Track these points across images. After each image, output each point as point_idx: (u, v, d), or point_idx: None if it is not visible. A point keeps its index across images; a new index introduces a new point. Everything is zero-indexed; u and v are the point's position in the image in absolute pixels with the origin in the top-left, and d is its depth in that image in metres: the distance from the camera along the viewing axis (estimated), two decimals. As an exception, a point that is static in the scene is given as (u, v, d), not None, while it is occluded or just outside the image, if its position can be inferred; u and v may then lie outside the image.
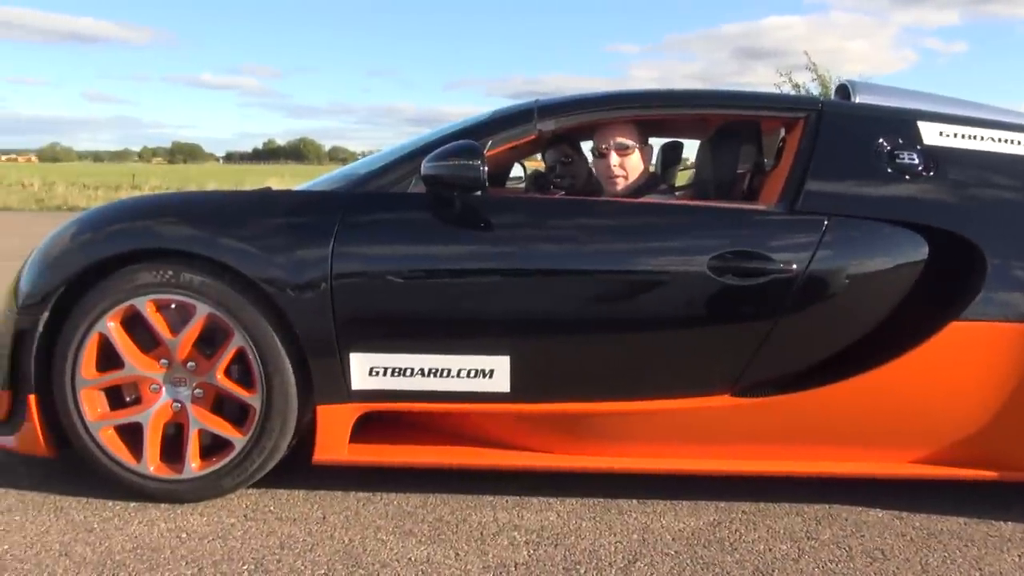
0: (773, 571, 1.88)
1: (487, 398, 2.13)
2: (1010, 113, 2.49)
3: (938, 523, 2.14)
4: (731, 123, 2.50)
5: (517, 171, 4.04)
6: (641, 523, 2.13)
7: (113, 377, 2.17)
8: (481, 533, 2.06)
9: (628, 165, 2.49)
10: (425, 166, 2.10)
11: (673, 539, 2.04)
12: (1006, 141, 2.28)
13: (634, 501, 2.26)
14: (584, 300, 2.12)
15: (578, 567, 1.89)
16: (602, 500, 2.26)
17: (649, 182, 2.52)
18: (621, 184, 2.52)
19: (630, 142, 2.47)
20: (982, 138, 2.27)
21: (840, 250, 2.10)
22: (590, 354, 2.15)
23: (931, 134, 2.25)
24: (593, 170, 2.76)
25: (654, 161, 3.13)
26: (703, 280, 2.07)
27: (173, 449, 2.19)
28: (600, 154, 2.51)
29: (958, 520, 2.16)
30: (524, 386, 2.12)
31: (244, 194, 2.30)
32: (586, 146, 3.21)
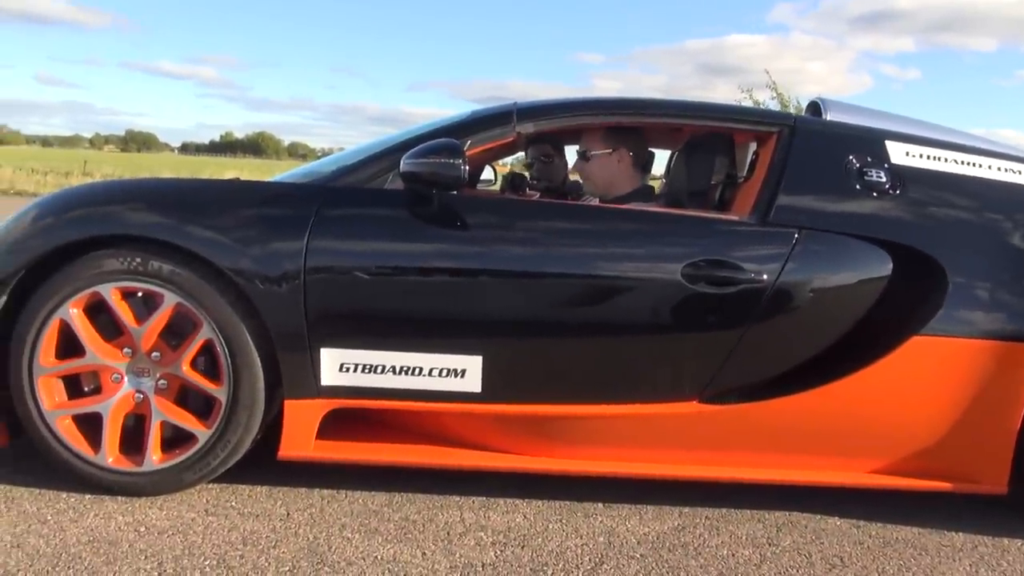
0: (736, 576, 1.91)
1: (458, 398, 2.12)
2: (970, 136, 2.58)
3: (894, 532, 2.20)
4: (706, 134, 2.54)
5: (487, 174, 4.05)
6: (607, 526, 2.14)
7: (73, 365, 2.10)
8: (448, 533, 2.05)
9: (586, 170, 2.63)
10: (405, 163, 2.09)
11: (639, 543, 2.06)
12: (968, 164, 2.36)
13: (600, 504, 2.27)
14: (558, 303, 2.13)
15: (545, 568, 1.89)
16: (568, 503, 2.27)
17: (641, 191, 2.57)
18: (587, 187, 2.66)
19: (587, 149, 2.60)
20: (946, 160, 2.34)
21: (809, 263, 2.15)
22: (562, 357, 2.16)
23: (898, 154, 2.32)
24: (569, 174, 2.82)
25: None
26: (676, 287, 2.10)
27: (132, 441, 2.14)
28: (577, 156, 2.65)
29: (912, 529, 2.22)
30: (496, 387, 2.11)
31: (217, 183, 2.26)
32: (569, 149, 3.24)
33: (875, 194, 2.24)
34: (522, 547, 2.00)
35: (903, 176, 2.27)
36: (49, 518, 2.00)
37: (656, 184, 3.17)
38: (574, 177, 3.53)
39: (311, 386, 2.10)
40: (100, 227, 2.07)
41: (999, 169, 2.35)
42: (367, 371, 2.09)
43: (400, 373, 2.10)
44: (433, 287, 2.11)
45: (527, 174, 3.40)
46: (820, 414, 2.16)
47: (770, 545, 2.08)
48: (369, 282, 2.07)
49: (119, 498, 2.12)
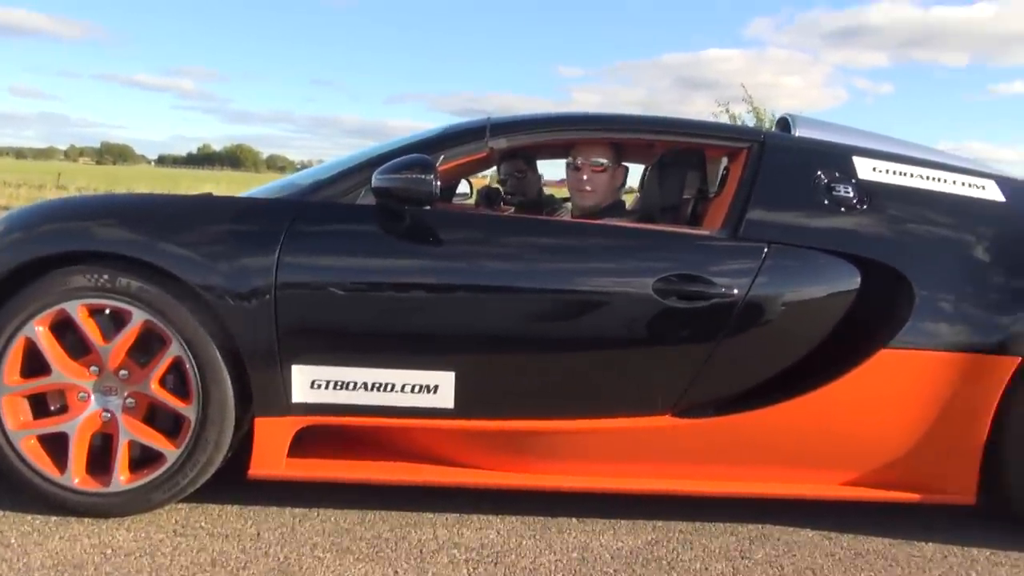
0: (709, 590, 1.91)
1: (431, 414, 2.11)
2: (935, 152, 2.62)
3: (865, 543, 2.22)
4: (678, 149, 2.56)
5: (462, 188, 4.05)
6: (581, 542, 2.14)
7: (38, 384, 2.07)
8: (420, 551, 2.03)
9: (597, 182, 2.60)
10: (376, 178, 2.09)
11: (612, 558, 2.05)
12: (933, 179, 2.40)
13: (573, 519, 2.27)
14: (531, 318, 2.14)
15: (518, 585, 1.89)
16: (542, 518, 2.26)
17: (614, 206, 2.58)
18: (589, 199, 2.61)
19: (605, 160, 2.58)
20: (912, 175, 2.38)
21: (779, 277, 2.17)
22: (535, 372, 2.16)
23: (865, 169, 2.35)
24: (542, 186, 2.82)
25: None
26: (648, 302, 2.11)
27: (100, 461, 2.10)
28: (575, 167, 2.60)
29: (883, 540, 2.24)
30: (468, 402, 2.11)
31: (187, 198, 2.24)
32: (541, 164, 3.25)
33: (843, 209, 2.27)
34: (495, 564, 1.99)
35: (870, 191, 2.31)
36: (13, 541, 1.96)
37: (629, 198, 3.19)
38: (549, 190, 3.55)
39: (282, 403, 2.08)
40: (68, 243, 2.05)
41: (963, 184, 2.39)
42: (338, 388, 2.08)
43: (372, 390, 2.09)
44: (405, 303, 2.11)
45: (501, 188, 3.41)
46: (791, 427, 2.18)
47: (743, 558, 2.09)
48: (340, 298, 2.07)
49: (86, 520, 2.09)
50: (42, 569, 1.84)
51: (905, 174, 2.37)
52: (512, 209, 3.30)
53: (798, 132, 2.54)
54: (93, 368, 2.08)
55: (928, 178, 2.38)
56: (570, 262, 2.17)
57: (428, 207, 2.12)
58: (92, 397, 2.08)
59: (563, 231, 2.30)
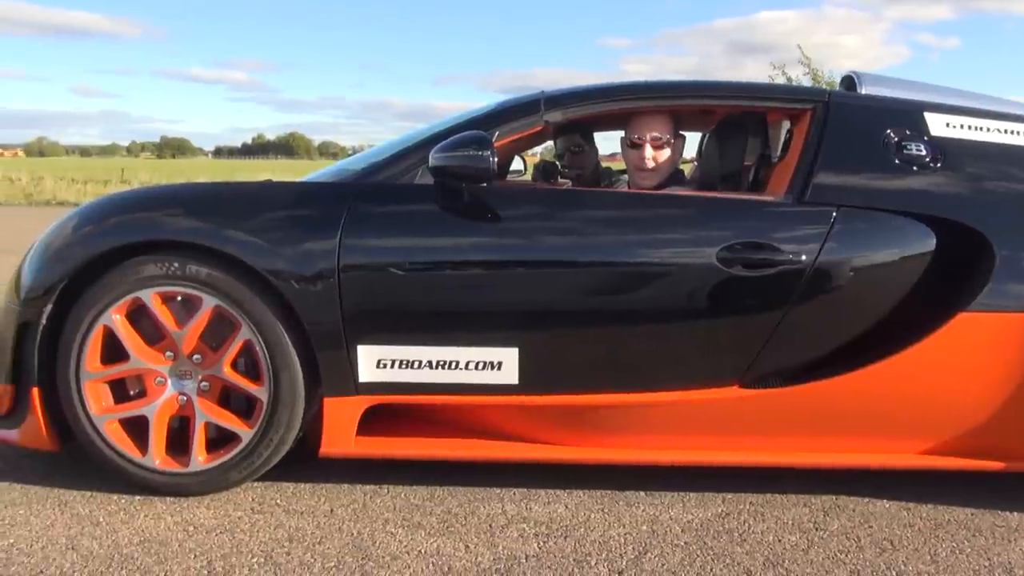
0: (783, 561, 1.88)
1: (496, 390, 2.12)
2: (1014, 104, 2.49)
3: (945, 513, 2.15)
4: (738, 114, 2.50)
5: (516, 164, 4.03)
6: (650, 515, 2.13)
7: (118, 370, 2.14)
8: (490, 525, 2.05)
9: (661, 157, 2.48)
10: (433, 157, 2.09)
11: (682, 530, 2.04)
12: (1012, 132, 2.28)
13: (642, 493, 2.26)
14: (594, 292, 2.12)
15: (589, 559, 1.89)
16: (610, 492, 2.26)
17: (674, 176, 2.51)
18: (651, 178, 2.49)
19: (665, 135, 2.46)
20: (988, 129, 2.27)
21: (848, 241, 2.10)
22: (599, 346, 2.14)
23: (938, 125, 2.25)
24: (600, 161, 2.77)
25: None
26: (712, 271, 2.07)
27: (178, 442, 2.18)
28: (633, 144, 2.49)
29: (965, 511, 2.17)
30: (533, 378, 2.11)
31: (250, 185, 2.28)
32: (597, 136, 3.20)
33: (915, 168, 2.18)
34: (565, 538, 1.99)
35: (944, 148, 2.21)
36: (101, 520, 2.05)
37: (686, 168, 3.13)
38: (605, 164, 3.50)
39: (349, 383, 2.11)
40: (138, 233, 2.11)
41: (1044, 136, 2.27)
42: (404, 367, 2.10)
43: (437, 367, 2.10)
44: (467, 280, 2.11)
45: (558, 163, 3.38)
46: (865, 395, 2.12)
47: (817, 530, 2.05)
48: (403, 278, 2.08)
49: (168, 498, 2.17)
50: (130, 546, 1.92)
51: (981, 128, 2.26)
52: (569, 183, 3.27)
53: (864, 90, 2.45)
54: (168, 353, 2.14)
55: (1006, 131, 2.27)
56: (632, 234, 2.13)
57: (486, 184, 2.11)
58: (168, 381, 2.15)
59: (624, 203, 2.26)
